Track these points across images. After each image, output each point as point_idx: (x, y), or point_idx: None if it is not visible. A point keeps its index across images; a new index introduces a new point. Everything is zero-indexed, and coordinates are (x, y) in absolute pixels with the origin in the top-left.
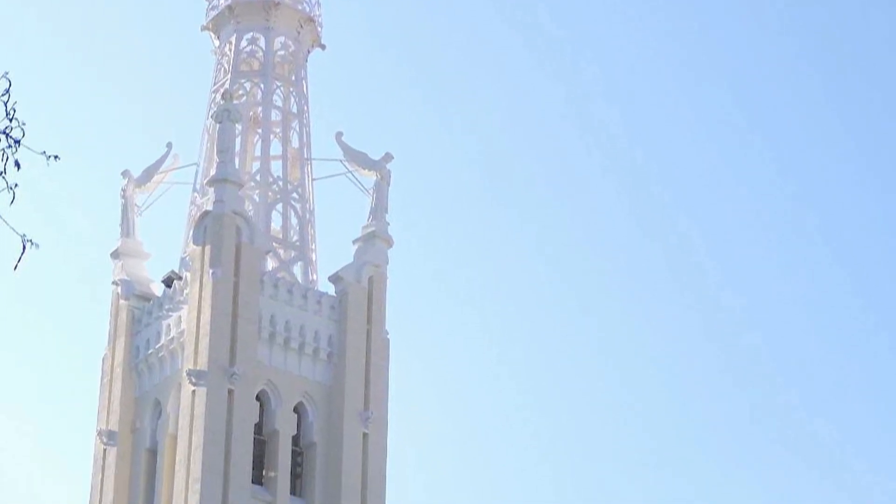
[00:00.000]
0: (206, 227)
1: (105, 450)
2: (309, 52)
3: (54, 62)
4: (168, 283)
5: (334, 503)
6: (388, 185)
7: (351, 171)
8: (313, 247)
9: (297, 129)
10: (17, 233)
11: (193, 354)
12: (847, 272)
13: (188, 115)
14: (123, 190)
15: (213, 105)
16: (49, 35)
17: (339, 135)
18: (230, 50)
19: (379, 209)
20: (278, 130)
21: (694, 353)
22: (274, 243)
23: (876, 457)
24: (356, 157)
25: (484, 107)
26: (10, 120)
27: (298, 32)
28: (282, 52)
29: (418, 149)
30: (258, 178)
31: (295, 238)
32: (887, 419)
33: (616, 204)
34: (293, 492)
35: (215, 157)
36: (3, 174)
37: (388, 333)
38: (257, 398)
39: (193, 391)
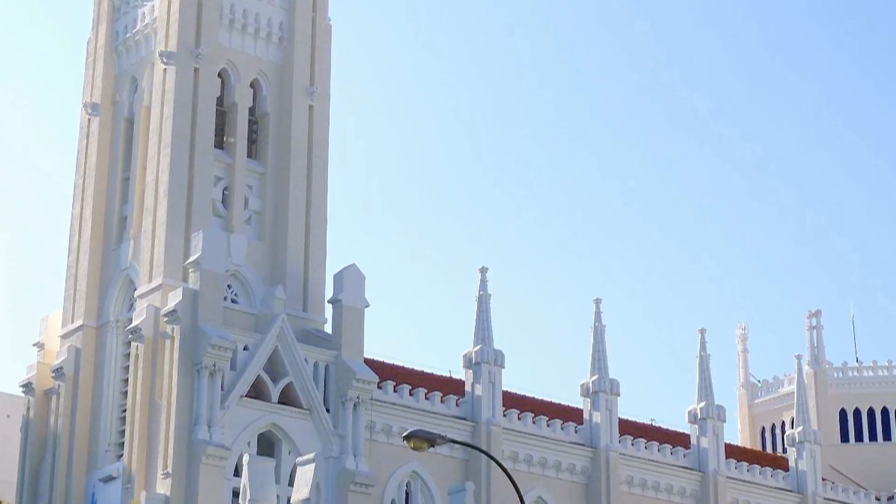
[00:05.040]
0: None
1: (89, 119)
2: None
3: None
4: None
5: (284, 164)
6: None
7: None
8: None
9: None
10: None
11: (165, 38)
12: None
13: None
14: None
15: None
16: None
17: None
18: None
19: None
20: None
21: (591, 38)
22: None
23: (746, 125)
24: None
25: None
26: None
27: None
28: None
29: None
30: None
31: None
32: (756, 92)
33: None
34: (249, 155)
35: None
36: None
37: (330, 20)
38: (219, 75)
39: (165, 69)
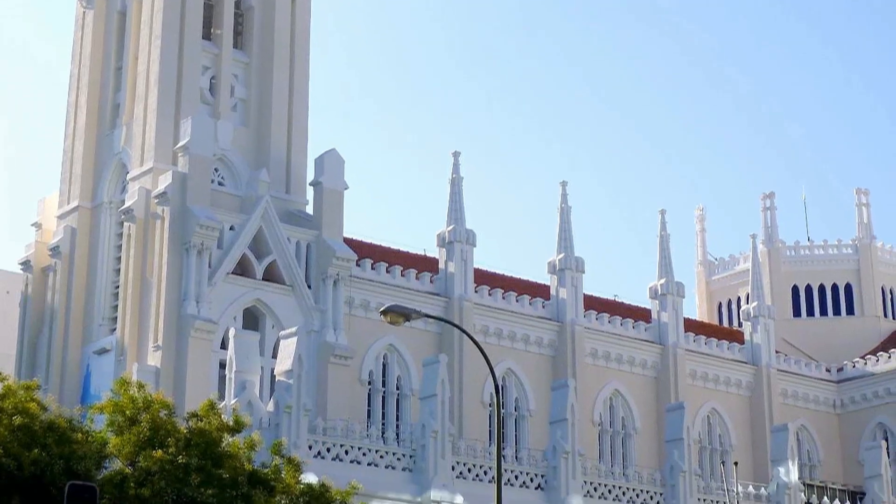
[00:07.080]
0: None
1: (84, 12)
2: None
3: None
4: None
5: (268, 55)
6: None
7: None
8: None
9: None
10: None
11: None
12: None
13: None
14: None
15: None
16: None
17: None
18: None
19: None
20: None
21: None
22: None
23: (703, 17)
24: None
25: None
26: None
27: None
28: None
29: None
30: None
31: None
32: None
33: None
34: (235, 45)
35: None
36: None
37: None
38: None
39: None
